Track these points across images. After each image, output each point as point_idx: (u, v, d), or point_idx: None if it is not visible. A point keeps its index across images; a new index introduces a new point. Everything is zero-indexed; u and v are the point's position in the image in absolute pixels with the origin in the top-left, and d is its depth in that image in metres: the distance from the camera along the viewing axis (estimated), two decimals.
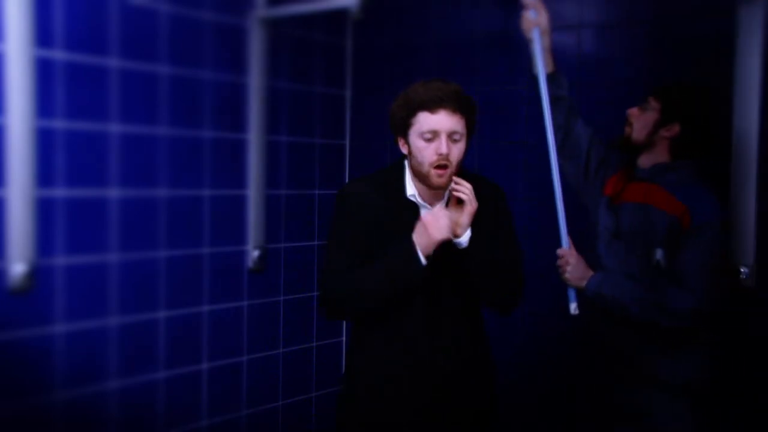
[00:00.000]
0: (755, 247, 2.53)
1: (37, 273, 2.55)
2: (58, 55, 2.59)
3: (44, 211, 2.57)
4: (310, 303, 3.51)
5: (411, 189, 2.18)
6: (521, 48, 3.08)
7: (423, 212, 2.15)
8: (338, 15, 3.29)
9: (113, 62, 2.74)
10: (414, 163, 2.14)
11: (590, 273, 2.43)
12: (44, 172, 2.57)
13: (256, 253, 3.25)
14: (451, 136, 2.08)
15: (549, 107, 2.50)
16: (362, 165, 3.63)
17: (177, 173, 2.96)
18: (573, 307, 2.45)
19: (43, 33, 2.54)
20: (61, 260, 2.63)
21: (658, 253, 2.34)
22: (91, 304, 2.72)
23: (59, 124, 2.61)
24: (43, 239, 2.57)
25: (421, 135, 2.09)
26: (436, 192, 2.18)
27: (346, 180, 3.66)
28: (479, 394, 2.28)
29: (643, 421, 2.42)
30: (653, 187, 2.40)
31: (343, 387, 2.35)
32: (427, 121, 2.08)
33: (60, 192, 2.62)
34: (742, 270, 2.54)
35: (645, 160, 2.46)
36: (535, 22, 2.57)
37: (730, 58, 2.52)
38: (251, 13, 3.15)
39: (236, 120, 3.17)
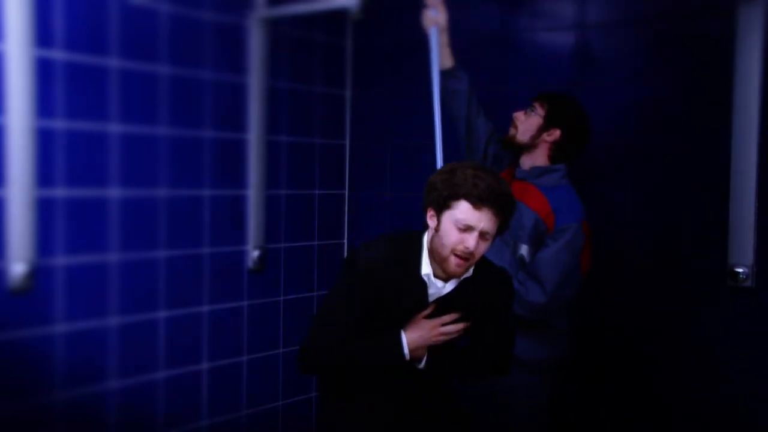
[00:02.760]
0: (754, 247, 2.53)
1: (37, 273, 2.56)
2: (58, 55, 2.59)
3: (44, 211, 2.57)
4: (309, 303, 3.51)
5: (426, 268, 2.14)
6: (521, 48, 3.10)
7: (430, 290, 2.17)
8: (338, 15, 3.29)
9: (113, 62, 2.74)
10: (436, 242, 2.09)
11: None
12: (44, 172, 2.57)
13: (256, 253, 3.25)
14: (483, 235, 2.05)
15: (439, 101, 2.66)
16: (362, 165, 3.63)
17: (177, 173, 2.96)
18: None
19: (43, 33, 2.54)
20: (61, 260, 2.63)
21: (522, 248, 2.57)
22: (91, 304, 2.73)
23: (59, 124, 2.61)
24: (43, 239, 2.57)
25: (456, 222, 2.04)
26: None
27: (346, 180, 3.67)
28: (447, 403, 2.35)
29: (504, 395, 2.62)
30: (530, 186, 2.62)
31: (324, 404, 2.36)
32: (467, 213, 2.03)
33: (60, 192, 2.62)
34: (740, 270, 2.55)
35: (525, 161, 2.68)
36: (434, 20, 2.71)
37: (730, 58, 2.52)
38: (251, 13, 3.15)
39: (236, 120, 3.17)
